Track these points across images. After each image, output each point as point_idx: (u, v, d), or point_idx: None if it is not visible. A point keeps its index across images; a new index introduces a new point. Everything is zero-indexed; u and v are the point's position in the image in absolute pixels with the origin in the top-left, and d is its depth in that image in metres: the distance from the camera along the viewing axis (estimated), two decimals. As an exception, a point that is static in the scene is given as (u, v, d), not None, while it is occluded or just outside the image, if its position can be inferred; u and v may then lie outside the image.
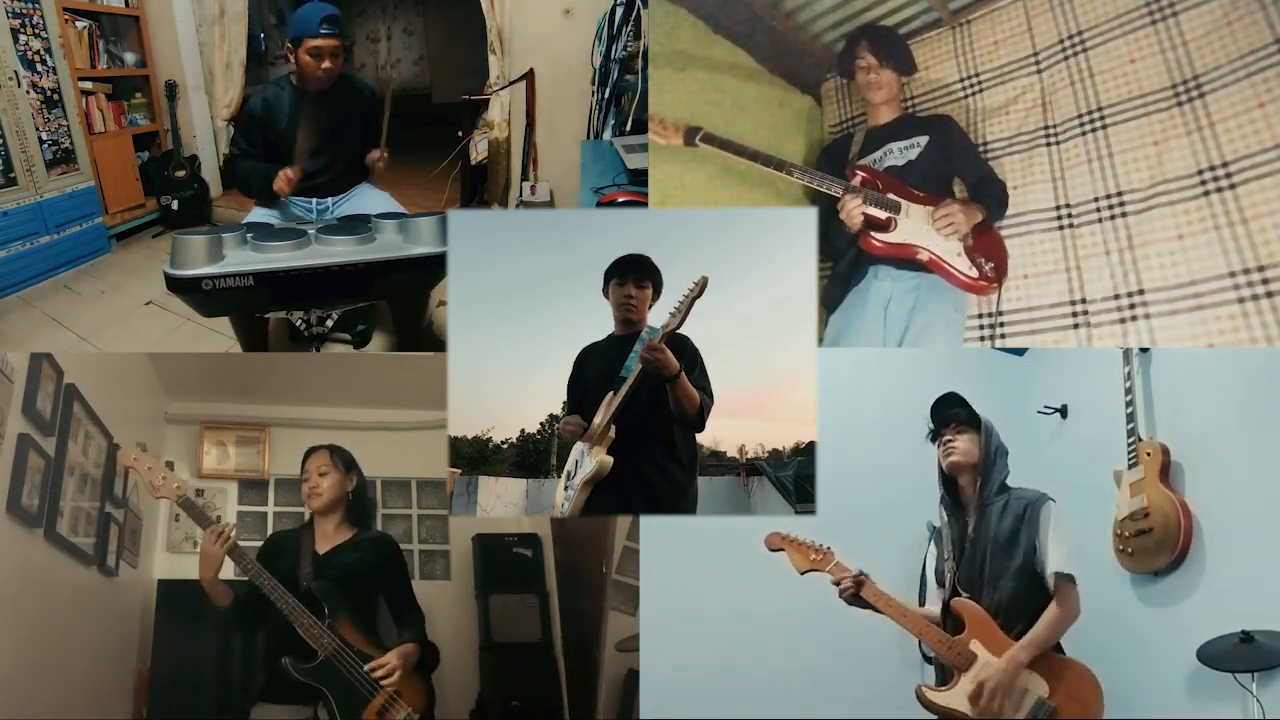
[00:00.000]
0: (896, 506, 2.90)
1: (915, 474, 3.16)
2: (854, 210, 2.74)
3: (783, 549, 2.38)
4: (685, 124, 2.86)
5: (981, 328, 2.94)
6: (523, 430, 3.38)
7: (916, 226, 2.78)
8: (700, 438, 2.38)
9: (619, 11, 3.74)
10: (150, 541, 3.34)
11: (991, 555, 2.27)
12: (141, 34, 5.00)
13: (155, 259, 4.26)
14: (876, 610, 2.30)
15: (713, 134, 2.85)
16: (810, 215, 2.81)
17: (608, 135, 3.75)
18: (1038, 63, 3.01)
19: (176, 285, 2.70)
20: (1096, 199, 2.82)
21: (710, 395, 2.25)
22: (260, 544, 2.79)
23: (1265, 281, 2.49)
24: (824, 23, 3.26)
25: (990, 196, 2.88)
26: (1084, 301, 2.80)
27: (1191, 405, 2.68)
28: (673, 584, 2.98)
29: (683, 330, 2.23)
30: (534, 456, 3.52)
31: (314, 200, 3.41)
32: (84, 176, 4.46)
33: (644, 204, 3.03)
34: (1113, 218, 2.78)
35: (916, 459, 3.18)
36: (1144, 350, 2.75)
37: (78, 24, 4.53)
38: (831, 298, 2.95)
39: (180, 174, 4.94)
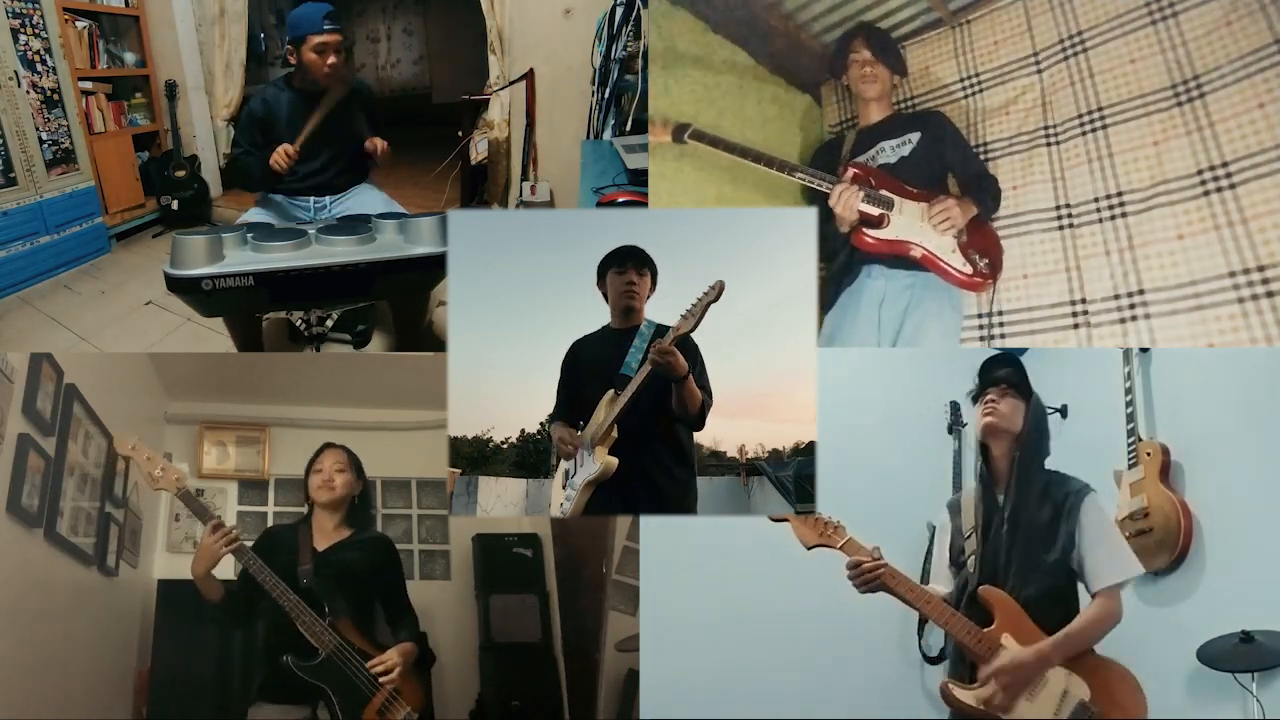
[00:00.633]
0: (896, 506, 2.90)
1: (915, 474, 3.18)
2: (848, 200, 2.71)
3: (785, 519, 2.23)
4: (674, 121, 2.84)
5: (980, 327, 2.94)
6: (523, 430, 3.39)
7: (910, 223, 2.78)
8: (700, 438, 2.37)
9: (619, 11, 3.74)
10: (150, 541, 3.34)
11: (1026, 544, 2.13)
12: (141, 34, 5.00)
13: (155, 259, 4.26)
14: (894, 594, 2.13)
15: (702, 130, 2.85)
16: (810, 215, 2.81)
17: (608, 135, 3.75)
18: (1038, 63, 3.01)
19: (176, 285, 2.70)
20: (1096, 199, 2.82)
21: (710, 394, 2.24)
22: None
23: (1265, 281, 2.49)
24: (824, 23, 3.26)
25: (984, 192, 2.88)
26: (1084, 301, 2.80)
27: (1191, 405, 2.68)
28: (673, 584, 2.98)
29: (673, 314, 2.19)
30: (534, 456, 3.52)
31: (313, 199, 3.41)
32: (84, 176, 4.46)
33: (644, 204, 3.03)
34: (1113, 218, 2.78)
35: (917, 459, 3.20)
36: (1144, 350, 2.75)
37: (78, 24, 4.53)
38: (825, 297, 2.95)
39: (180, 174, 4.94)
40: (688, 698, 2.90)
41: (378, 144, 3.36)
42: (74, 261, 4.34)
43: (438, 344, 3.30)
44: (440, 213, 2.93)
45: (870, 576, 2.12)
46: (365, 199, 3.43)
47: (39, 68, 4.16)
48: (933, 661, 3.09)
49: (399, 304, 3.31)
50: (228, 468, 3.51)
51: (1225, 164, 2.59)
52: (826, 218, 2.82)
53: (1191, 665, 2.41)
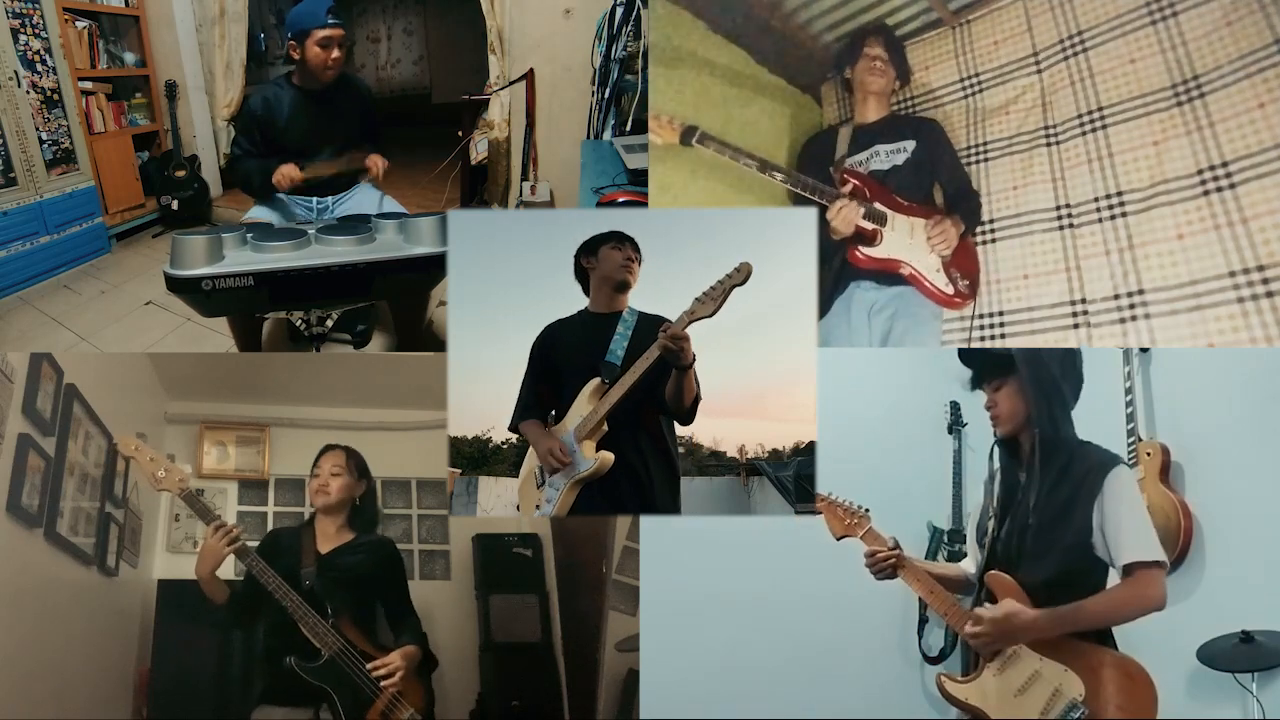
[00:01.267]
0: (896, 506, 2.90)
1: (915, 474, 3.18)
2: (848, 216, 2.72)
3: (819, 511, 2.19)
4: (684, 122, 2.85)
5: (981, 327, 2.94)
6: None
7: (900, 240, 2.80)
8: (700, 437, 2.36)
9: (619, 11, 3.74)
10: (150, 541, 3.34)
11: (1039, 526, 2.02)
12: (141, 34, 5.00)
13: (155, 259, 4.26)
14: (907, 583, 2.11)
15: (709, 134, 2.84)
16: (810, 215, 2.81)
17: (608, 135, 3.75)
18: (1038, 63, 3.01)
19: (176, 285, 2.70)
20: (1096, 199, 2.82)
21: (698, 386, 2.13)
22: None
23: (1265, 281, 2.49)
24: (824, 23, 3.26)
25: (967, 210, 2.90)
26: (1084, 301, 2.80)
27: (1191, 405, 2.68)
28: (673, 584, 2.98)
29: (669, 305, 2.13)
30: (534, 456, 3.52)
31: (314, 199, 3.41)
32: (84, 176, 4.46)
33: (644, 204, 3.03)
34: (1113, 218, 2.78)
35: (917, 459, 3.20)
36: (1144, 350, 2.75)
37: (78, 24, 4.53)
38: (822, 298, 2.95)
39: (180, 174, 4.94)
40: (688, 698, 2.90)
41: (377, 163, 3.37)
42: (74, 261, 4.33)
43: (438, 344, 3.30)
44: (440, 213, 2.93)
45: (884, 567, 2.12)
46: (365, 199, 3.43)
47: (39, 68, 4.16)
48: (933, 661, 3.09)
49: (399, 304, 3.31)
50: (228, 468, 3.51)
51: (1225, 164, 2.59)
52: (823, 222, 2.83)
53: (1191, 665, 2.41)
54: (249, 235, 2.82)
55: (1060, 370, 2.08)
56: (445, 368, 2.67)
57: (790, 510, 3.23)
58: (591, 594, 3.31)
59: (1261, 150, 2.54)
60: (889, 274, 2.81)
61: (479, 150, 4.42)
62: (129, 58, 4.97)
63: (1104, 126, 2.84)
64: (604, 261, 2.26)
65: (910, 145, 2.90)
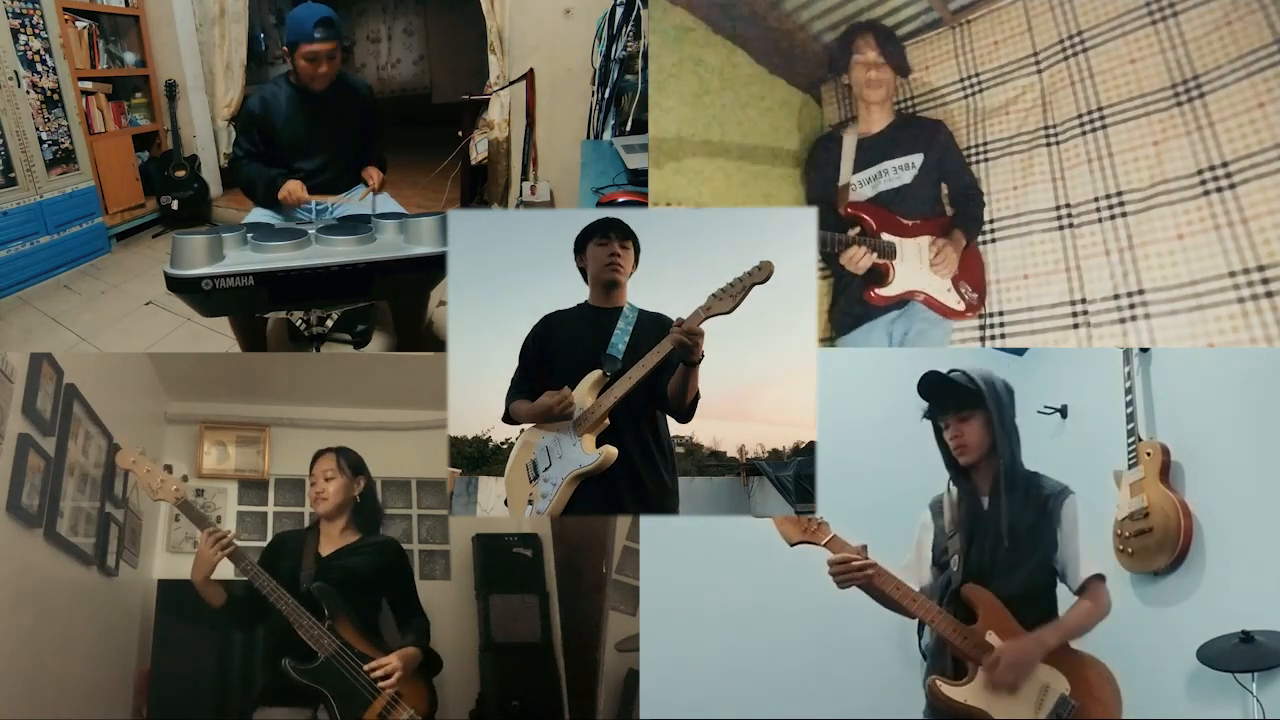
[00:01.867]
0: (897, 506, 2.89)
1: (915, 474, 3.16)
2: (859, 261, 2.76)
3: (771, 518, 2.21)
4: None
5: (981, 328, 2.94)
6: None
7: (910, 270, 2.83)
8: (700, 437, 2.36)
9: (619, 11, 3.74)
10: (150, 541, 3.34)
11: (1010, 545, 2.17)
12: (141, 34, 5.00)
13: (155, 259, 4.26)
14: (882, 592, 2.15)
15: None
16: (810, 215, 2.81)
17: (608, 135, 3.74)
18: (1038, 63, 3.01)
19: (176, 285, 2.70)
20: (1096, 199, 2.82)
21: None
22: (262, 544, 2.79)
23: (1265, 281, 2.49)
24: (824, 23, 3.26)
25: (970, 215, 2.90)
26: (1084, 301, 2.80)
27: (1191, 405, 2.68)
28: (673, 584, 2.98)
29: (669, 305, 2.14)
30: (534, 456, 3.51)
31: (313, 199, 3.41)
32: (84, 176, 4.46)
33: (644, 204, 3.03)
34: (1113, 218, 2.78)
35: (917, 459, 3.19)
36: (1144, 350, 2.75)
37: (78, 24, 4.53)
38: (842, 325, 2.99)
39: (180, 174, 4.94)
40: (688, 698, 2.90)
41: (374, 176, 3.36)
42: (74, 261, 4.33)
43: (438, 344, 3.30)
44: (440, 213, 2.93)
45: (859, 576, 2.13)
46: (364, 200, 3.43)
47: (39, 68, 4.16)
48: (933, 661, 3.09)
49: (399, 304, 3.31)
50: (228, 468, 3.51)
51: (1225, 164, 2.59)
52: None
53: (1191, 665, 2.41)
54: (249, 235, 2.82)
55: (1010, 402, 2.22)
56: (445, 368, 2.67)
57: (790, 510, 3.23)
58: (591, 594, 3.31)
59: (1261, 150, 2.54)
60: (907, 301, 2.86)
61: (479, 150, 4.42)
62: (129, 58, 4.97)
63: (1104, 126, 2.84)
64: (591, 260, 2.24)
65: (918, 160, 2.89)
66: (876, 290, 2.82)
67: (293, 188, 3.22)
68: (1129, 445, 2.72)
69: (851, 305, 2.93)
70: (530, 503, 2.14)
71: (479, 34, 4.43)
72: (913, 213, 2.85)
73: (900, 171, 2.89)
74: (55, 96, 4.27)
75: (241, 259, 2.75)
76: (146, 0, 4.99)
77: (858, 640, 3.09)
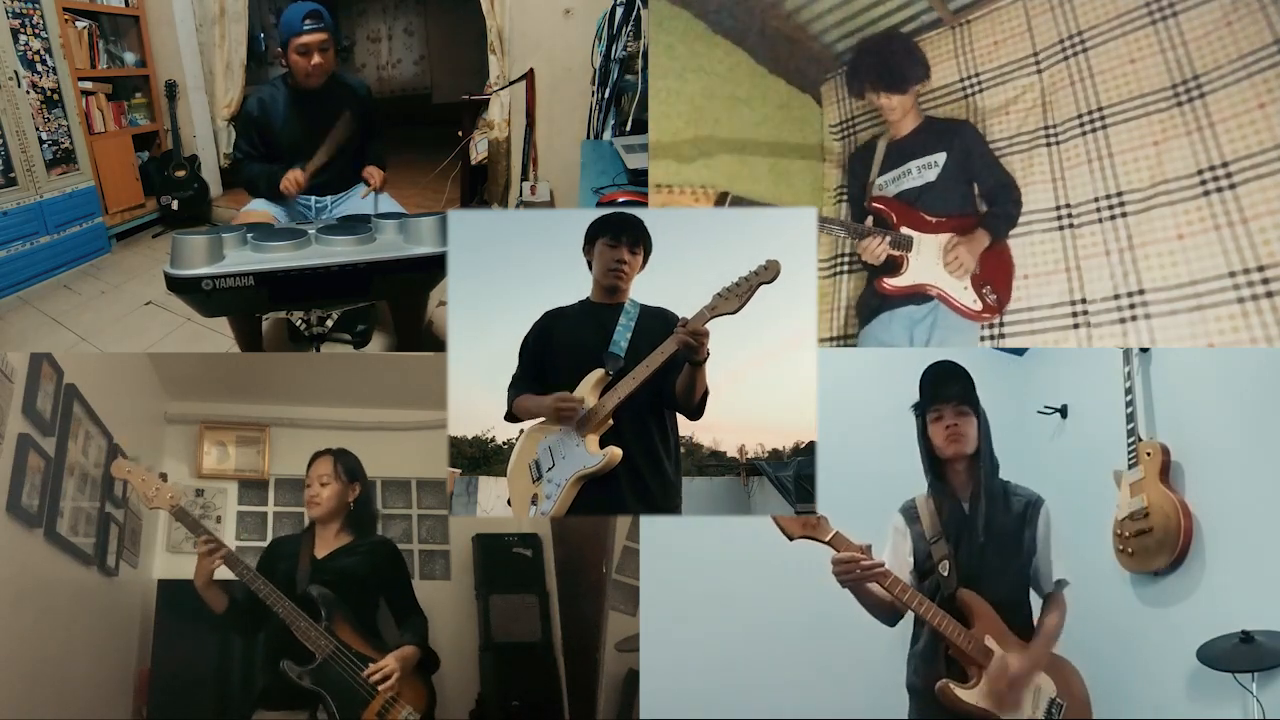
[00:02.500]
0: (896, 506, 2.90)
1: (915, 474, 3.17)
2: (875, 251, 2.77)
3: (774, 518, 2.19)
4: (715, 190, 2.90)
5: (980, 327, 2.94)
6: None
7: (926, 264, 2.82)
8: (700, 437, 2.35)
9: (619, 11, 3.74)
10: (150, 541, 3.34)
11: (993, 552, 2.23)
12: (141, 34, 5.00)
13: (155, 259, 4.26)
14: (874, 595, 2.21)
15: (739, 196, 2.90)
16: (810, 215, 2.81)
17: (608, 135, 3.74)
18: (1038, 63, 3.01)
19: (176, 285, 2.70)
20: (1096, 199, 2.82)
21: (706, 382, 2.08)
22: (262, 544, 2.79)
23: (1265, 281, 2.49)
24: (824, 23, 3.26)
25: (1003, 214, 2.88)
26: (1084, 301, 2.80)
27: (1191, 405, 2.68)
28: (673, 584, 2.98)
29: (669, 306, 2.13)
30: (534, 456, 3.51)
31: (313, 198, 3.41)
32: (84, 176, 4.46)
33: (644, 204, 3.03)
34: (1113, 218, 2.78)
35: (917, 459, 3.19)
36: (1144, 350, 2.75)
37: (78, 24, 4.53)
38: (863, 315, 3.01)
39: (180, 174, 4.94)
40: (688, 698, 2.90)
41: (375, 175, 3.36)
42: (74, 261, 4.33)
43: (438, 344, 3.30)
44: (440, 213, 2.93)
45: (864, 576, 2.15)
46: (365, 199, 3.43)
47: (39, 68, 4.16)
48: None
49: (399, 304, 3.31)
50: (228, 468, 3.51)
51: (1225, 164, 2.59)
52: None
53: (1191, 665, 2.41)
54: (249, 235, 2.82)
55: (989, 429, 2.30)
56: (445, 368, 2.67)
57: (790, 510, 3.23)
58: (591, 594, 3.31)
59: (1261, 150, 2.54)
60: (921, 295, 2.85)
61: (479, 150, 4.42)
62: (129, 58, 4.97)
63: (1104, 126, 2.84)
64: (597, 257, 2.21)
65: (940, 158, 2.88)
66: (887, 279, 2.82)
67: (293, 175, 3.23)
68: (1129, 445, 2.72)
69: (870, 297, 2.95)
70: (534, 503, 2.11)
71: (479, 34, 4.43)
72: (937, 210, 2.84)
73: (923, 170, 2.90)
74: (55, 96, 4.27)
75: (241, 259, 2.75)
76: (146, 0, 4.99)
77: (857, 640, 3.08)
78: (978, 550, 2.23)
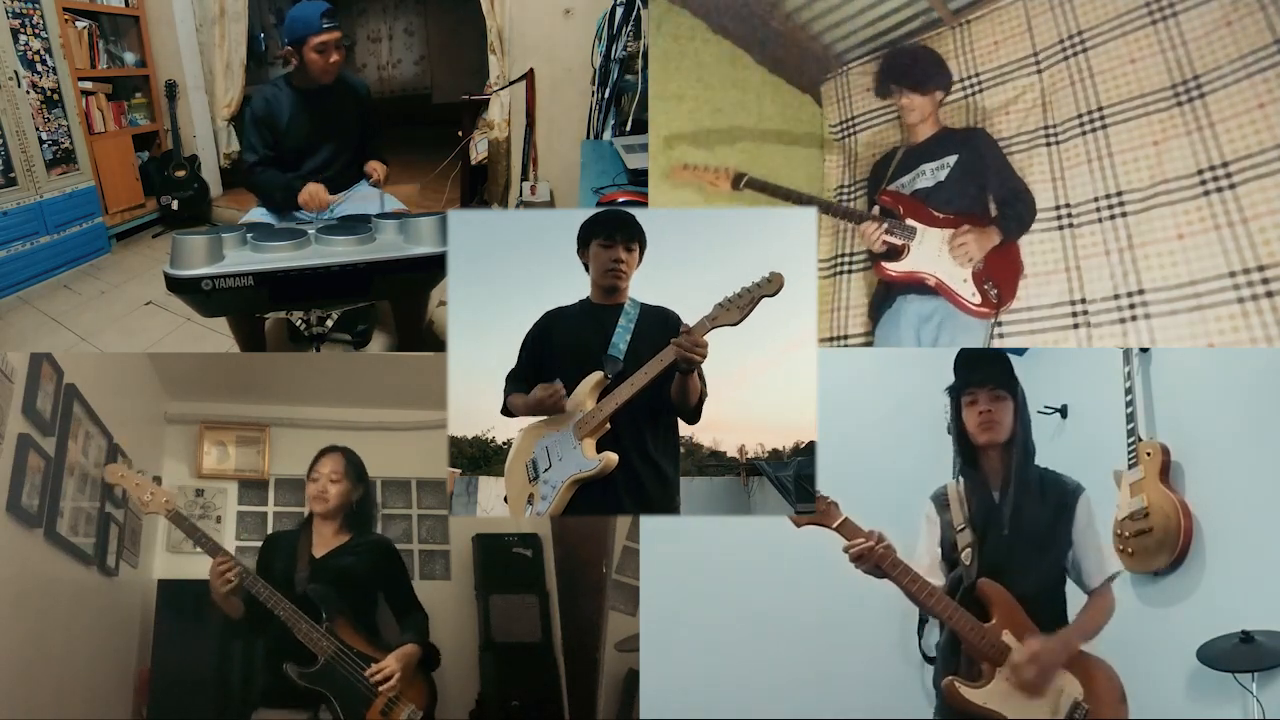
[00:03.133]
0: (896, 506, 2.90)
1: (915, 474, 3.16)
2: (874, 237, 2.81)
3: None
4: (732, 170, 2.89)
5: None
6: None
7: (927, 253, 2.82)
8: (700, 438, 2.34)
9: (619, 11, 3.74)
10: (150, 541, 3.34)
11: (1023, 542, 2.11)
12: (141, 34, 5.00)
13: (155, 259, 4.26)
14: (895, 581, 2.10)
15: (755, 179, 2.89)
16: (810, 215, 2.82)
17: (608, 135, 3.74)
18: (1038, 63, 3.01)
19: (176, 285, 2.70)
20: (1096, 199, 2.82)
21: (705, 384, 2.08)
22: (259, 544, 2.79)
23: (1265, 281, 2.49)
24: (824, 23, 3.26)
25: (1015, 216, 2.88)
26: (1084, 301, 2.80)
27: (1191, 405, 2.68)
28: (673, 584, 2.98)
29: (668, 307, 2.13)
30: (534, 456, 3.51)
31: (335, 200, 3.41)
32: (84, 176, 4.46)
33: (644, 204, 3.03)
34: (1113, 218, 2.78)
35: (916, 459, 3.19)
36: (1144, 350, 2.75)
37: (78, 24, 4.53)
38: (873, 314, 3.02)
39: (180, 174, 4.94)
40: (688, 698, 2.90)
41: (378, 170, 3.36)
42: (74, 261, 4.33)
43: (438, 344, 3.30)
44: (440, 213, 2.93)
45: (875, 559, 2.07)
46: (366, 196, 3.43)
47: (39, 68, 4.16)
48: (933, 661, 3.08)
49: (399, 304, 3.31)
50: (228, 468, 3.51)
51: (1225, 164, 2.59)
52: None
53: (1191, 665, 2.41)
54: (249, 235, 2.82)
55: (1027, 402, 2.20)
56: (445, 368, 2.67)
57: (790, 510, 3.23)
58: (591, 594, 3.31)
59: (1261, 150, 2.54)
60: (918, 285, 2.84)
61: (479, 150, 4.42)
62: (129, 58, 4.97)
63: (1104, 126, 2.84)
64: (593, 259, 2.20)
65: (952, 160, 2.90)
66: (885, 264, 2.85)
67: (314, 190, 3.21)
68: (1129, 445, 2.72)
69: (880, 294, 2.97)
70: (530, 502, 2.11)
71: (479, 34, 4.43)
72: (945, 207, 2.85)
73: (936, 171, 2.92)
74: (55, 96, 4.27)
75: (241, 259, 2.75)
76: (146, 0, 4.99)
77: (858, 640, 3.09)
78: (1004, 541, 2.12)
